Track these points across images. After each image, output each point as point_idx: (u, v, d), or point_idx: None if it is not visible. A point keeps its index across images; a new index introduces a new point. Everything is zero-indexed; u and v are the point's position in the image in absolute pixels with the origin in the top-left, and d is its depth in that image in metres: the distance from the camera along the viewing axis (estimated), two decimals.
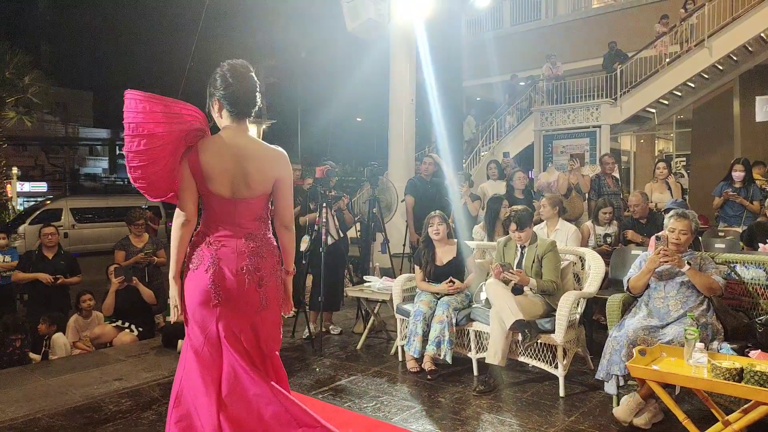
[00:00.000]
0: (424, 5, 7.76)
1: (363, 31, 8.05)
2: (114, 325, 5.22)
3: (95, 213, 16.72)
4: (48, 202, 17.33)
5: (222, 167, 2.17)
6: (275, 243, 2.33)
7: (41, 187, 29.00)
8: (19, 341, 4.69)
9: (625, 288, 3.46)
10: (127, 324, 5.23)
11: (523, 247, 4.00)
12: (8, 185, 19.05)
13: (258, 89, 2.28)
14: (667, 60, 11.78)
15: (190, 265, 2.21)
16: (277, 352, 2.37)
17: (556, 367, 3.59)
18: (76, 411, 3.46)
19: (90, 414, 3.41)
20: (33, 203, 20.69)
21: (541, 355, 3.70)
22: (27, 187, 27.54)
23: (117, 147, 36.59)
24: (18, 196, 22.51)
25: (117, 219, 15.58)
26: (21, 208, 19.98)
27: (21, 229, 14.32)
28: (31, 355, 4.83)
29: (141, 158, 2.07)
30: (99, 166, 36.15)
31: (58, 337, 4.98)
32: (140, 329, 5.26)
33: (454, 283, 4.10)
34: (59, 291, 5.55)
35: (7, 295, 6.11)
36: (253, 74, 2.28)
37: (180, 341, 4.67)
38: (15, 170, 21.05)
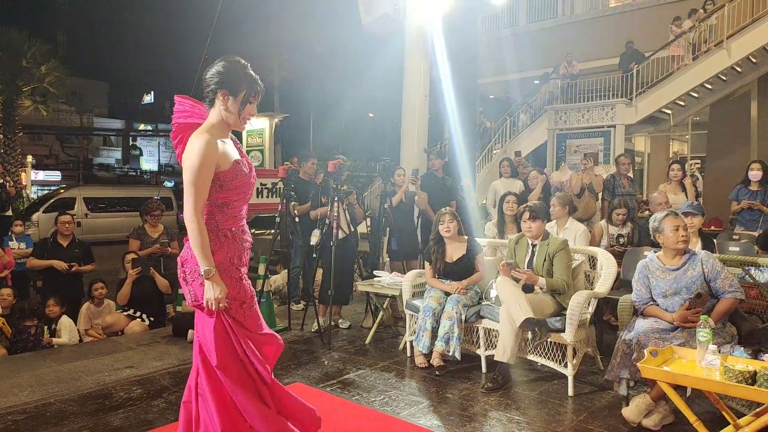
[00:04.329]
0: (441, 1, 7.72)
1: (378, 26, 8.03)
2: (126, 314, 5.28)
3: (108, 203, 16.88)
4: (62, 191, 17.51)
5: None
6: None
7: (55, 176, 29.34)
8: (34, 328, 4.75)
9: (638, 312, 3.37)
10: (138, 313, 5.28)
11: (534, 245, 3.98)
12: (23, 173, 19.29)
13: (208, 75, 2.29)
14: (683, 61, 11.65)
15: None
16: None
17: (565, 366, 3.58)
18: (87, 397, 3.51)
19: (101, 400, 3.45)
20: (47, 192, 20.93)
21: (550, 354, 3.69)
22: (41, 175, 27.89)
23: (131, 138, 36.90)
24: (32, 185, 22.75)
25: (129, 209, 15.74)
26: (35, 197, 20.20)
27: (35, 217, 14.49)
28: (54, 340, 4.90)
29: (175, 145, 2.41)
30: (112, 156, 36.50)
31: (65, 320, 5.04)
32: (151, 319, 5.31)
33: (464, 288, 4.10)
34: (73, 279, 5.61)
35: (22, 282, 6.20)
36: (215, 64, 2.32)
37: (191, 331, 4.72)
38: (30, 159, 21.26)
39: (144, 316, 5.28)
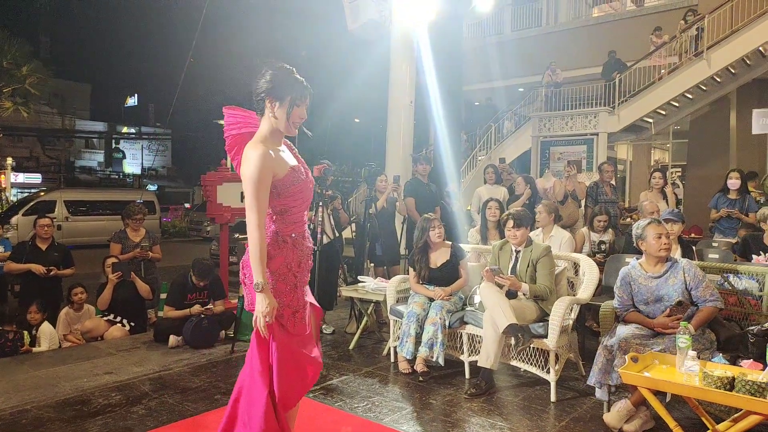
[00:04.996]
0: (427, 8, 7.76)
1: (364, 31, 8.03)
2: (106, 319, 5.20)
3: (89, 206, 16.64)
4: (42, 193, 17.25)
5: None
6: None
7: (36, 178, 28.90)
8: (12, 333, 4.65)
9: (620, 318, 3.40)
10: (119, 318, 5.21)
11: (518, 251, 4.00)
12: (2, 176, 19.00)
13: (256, 85, 2.32)
14: (663, 71, 11.84)
15: None
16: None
17: (548, 372, 3.60)
18: (65, 403, 3.45)
19: (79, 407, 3.39)
20: (27, 194, 20.59)
21: (533, 360, 3.70)
22: (21, 178, 27.45)
23: (113, 140, 36.50)
24: (12, 187, 22.40)
25: (111, 212, 15.54)
26: (14, 199, 19.87)
27: (14, 220, 14.25)
28: (34, 349, 4.78)
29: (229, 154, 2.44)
30: (95, 159, 36.03)
31: (45, 327, 4.94)
32: (132, 324, 5.24)
33: (448, 294, 4.11)
34: (51, 283, 5.51)
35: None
36: (262, 74, 2.33)
37: (172, 336, 4.66)
38: (9, 161, 20.95)
39: (124, 321, 5.21)
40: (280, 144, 2.36)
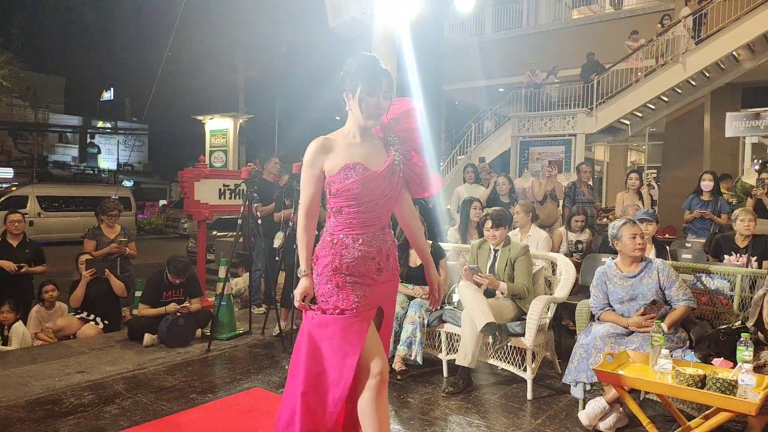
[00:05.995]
0: (409, 6, 7.76)
1: (345, 29, 7.99)
2: (78, 317, 5.10)
3: (63, 202, 16.32)
4: (13, 188, 16.86)
5: None
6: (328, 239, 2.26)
7: (7, 173, 28.17)
8: None
9: (596, 317, 3.44)
10: (92, 316, 5.11)
11: (496, 251, 4.03)
12: None
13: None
14: (641, 73, 12.03)
15: None
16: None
17: (524, 370, 3.63)
18: (35, 403, 3.37)
19: (50, 406, 3.32)
20: None
21: (510, 358, 3.73)
22: None
23: (88, 135, 35.80)
24: None
25: (85, 208, 15.26)
26: None
27: None
28: (2, 348, 4.67)
29: None
30: (68, 153, 35.27)
31: (17, 326, 4.83)
32: (105, 322, 5.15)
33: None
34: (23, 280, 5.38)
35: None
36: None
37: (147, 335, 4.59)
38: None
39: (98, 319, 5.12)
40: (360, 138, 2.22)
